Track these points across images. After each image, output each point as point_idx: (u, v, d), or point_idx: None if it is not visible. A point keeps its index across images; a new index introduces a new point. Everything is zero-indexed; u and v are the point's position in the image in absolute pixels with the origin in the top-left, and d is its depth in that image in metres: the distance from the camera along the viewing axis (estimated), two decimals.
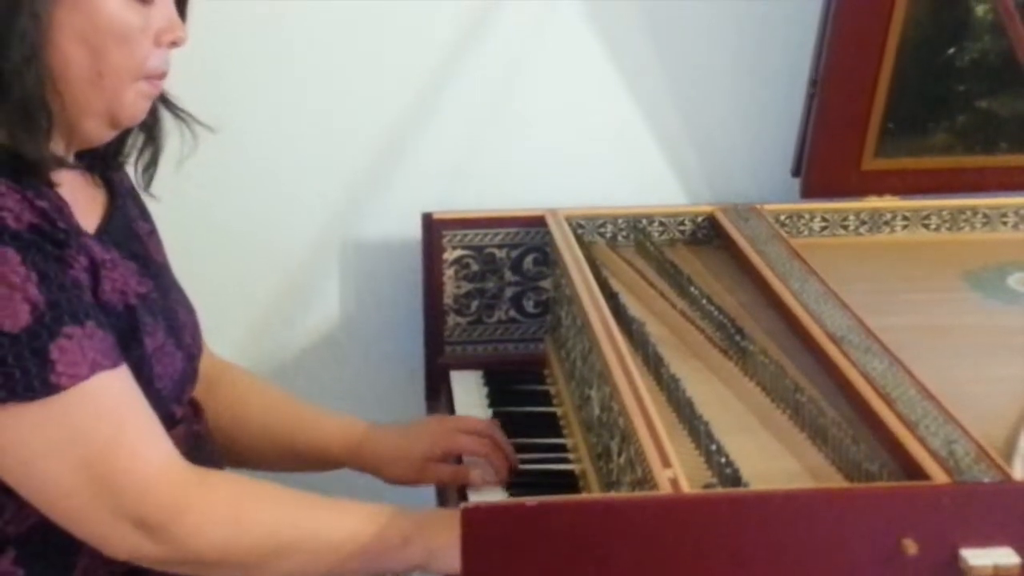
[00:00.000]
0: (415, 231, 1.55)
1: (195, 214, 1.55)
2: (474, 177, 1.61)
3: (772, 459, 1.08)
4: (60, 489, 0.98)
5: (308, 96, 1.58)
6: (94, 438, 0.97)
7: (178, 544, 1.00)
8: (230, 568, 1.04)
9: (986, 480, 0.94)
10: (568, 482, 1.25)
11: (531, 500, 0.89)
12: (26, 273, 0.95)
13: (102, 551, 1.01)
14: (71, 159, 1.07)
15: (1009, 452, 1.05)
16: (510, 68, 1.58)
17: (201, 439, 1.16)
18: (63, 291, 0.97)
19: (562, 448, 1.31)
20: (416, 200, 1.57)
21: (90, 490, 0.98)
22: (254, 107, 1.57)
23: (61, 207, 1.02)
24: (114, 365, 0.99)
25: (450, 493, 1.28)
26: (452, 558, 0.98)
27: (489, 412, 1.40)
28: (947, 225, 1.59)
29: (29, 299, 0.94)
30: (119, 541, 1.00)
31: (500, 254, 1.54)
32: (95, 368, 0.97)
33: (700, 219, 1.56)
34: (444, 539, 1.03)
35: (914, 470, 0.97)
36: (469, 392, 1.47)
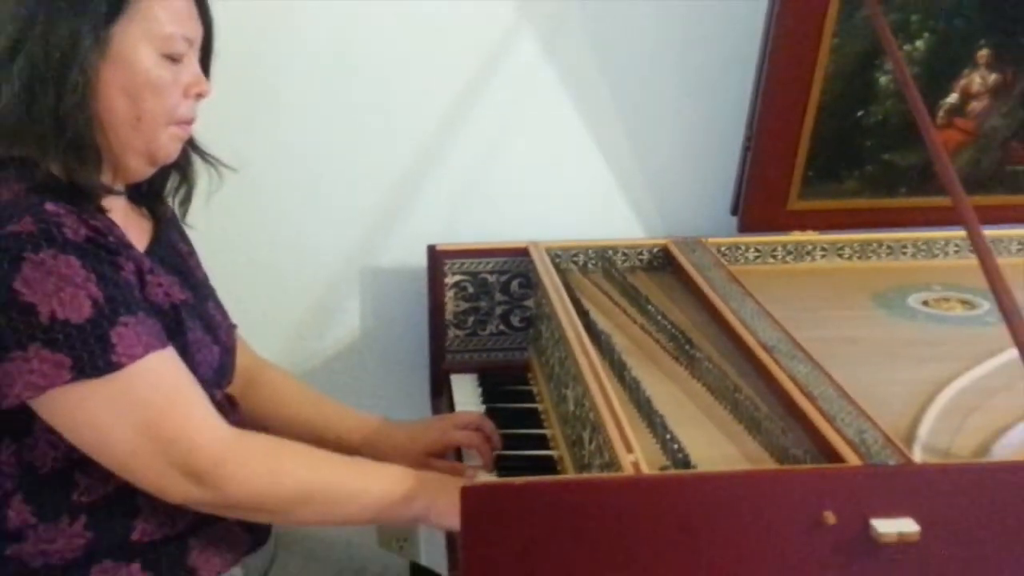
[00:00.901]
0: (421, 260, 1.55)
1: (240, 248, 1.55)
2: (470, 215, 1.61)
3: (716, 446, 1.08)
4: (125, 449, 0.98)
5: (332, 146, 1.57)
6: (150, 405, 0.97)
7: (220, 490, 1.00)
8: (264, 512, 1.04)
9: (892, 463, 0.95)
10: (548, 466, 1.25)
11: (518, 480, 0.90)
12: (86, 274, 0.95)
13: (161, 497, 1.01)
14: (117, 185, 1.07)
15: (910, 440, 1.05)
16: (501, 125, 1.58)
17: (236, 425, 1.15)
18: (117, 288, 0.97)
19: (543, 438, 1.31)
20: (422, 234, 1.57)
21: (149, 448, 0.98)
22: (288, 155, 1.56)
23: (111, 227, 1.02)
24: (163, 346, 0.99)
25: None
26: (449, 516, 1.00)
27: (483, 408, 1.40)
28: (858, 255, 1.60)
29: (90, 295, 0.94)
30: (173, 488, 0.99)
31: (491, 279, 1.54)
32: (148, 349, 0.97)
33: (655, 250, 1.57)
34: (443, 499, 1.03)
35: (832, 455, 0.98)
36: (466, 392, 1.47)
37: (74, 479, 1.01)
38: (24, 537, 1.03)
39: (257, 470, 1.01)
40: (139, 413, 0.97)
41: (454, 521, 0.94)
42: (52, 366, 0.94)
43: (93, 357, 0.94)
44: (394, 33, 1.53)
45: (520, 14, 1.54)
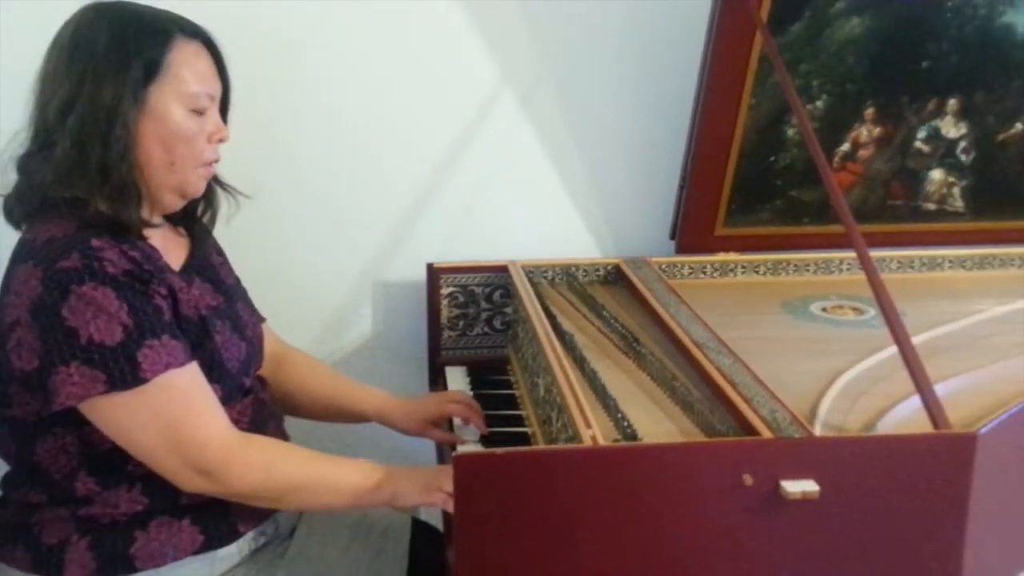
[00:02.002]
0: (421, 275, 1.55)
1: (272, 266, 1.54)
2: (461, 239, 1.60)
3: (658, 423, 1.09)
4: (147, 447, 0.98)
5: (346, 182, 1.56)
6: (168, 414, 0.97)
7: (225, 484, 1.00)
8: (260, 500, 1.03)
9: (797, 436, 0.96)
10: (524, 440, 1.25)
11: (500, 450, 0.90)
12: (119, 305, 0.94)
13: (176, 486, 1.00)
14: (156, 221, 1.06)
15: (812, 418, 1.06)
16: (486, 166, 1.58)
17: (264, 404, 1.15)
18: (146, 315, 0.96)
19: (520, 418, 1.31)
20: (421, 254, 1.57)
21: (166, 448, 0.97)
22: (309, 189, 1.55)
23: (150, 254, 1.01)
24: (182, 364, 0.98)
25: (445, 449, 1.27)
26: (409, 498, 1.01)
27: (471, 393, 1.39)
28: (770, 271, 1.60)
29: (121, 323, 0.94)
30: (186, 481, 0.99)
31: (478, 290, 1.54)
32: (168, 367, 0.96)
33: (609, 267, 1.57)
34: (403, 486, 1.02)
35: (750, 429, 0.99)
36: (457, 381, 1.47)
37: (126, 455, 1.00)
38: (92, 501, 1.03)
39: (254, 469, 1.00)
40: (158, 420, 0.96)
41: (414, 502, 0.98)
42: (89, 380, 0.94)
43: (123, 374, 0.94)
44: (398, 87, 1.53)
45: (502, 75, 1.55)
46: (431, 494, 1.01)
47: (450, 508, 0.91)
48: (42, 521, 1.05)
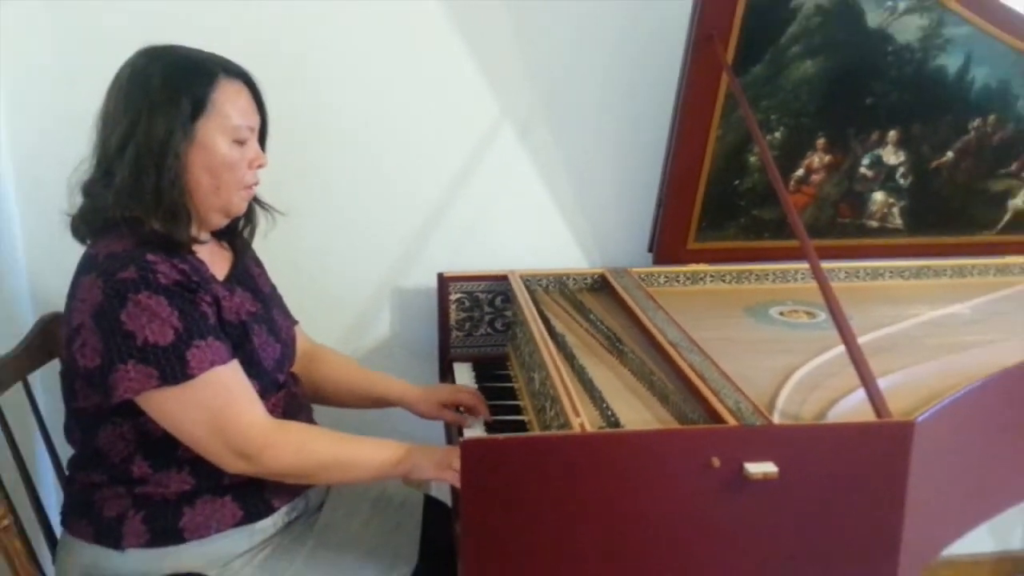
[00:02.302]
0: (433, 283, 1.54)
1: (304, 276, 1.53)
2: (468, 252, 1.60)
3: (637, 413, 1.08)
4: (194, 435, 0.98)
5: (368, 204, 1.56)
6: (213, 406, 0.97)
7: (263, 465, 0.99)
8: (294, 477, 1.03)
9: (758, 424, 0.96)
10: (522, 427, 1.24)
11: (501, 436, 0.91)
12: (170, 311, 0.95)
13: (219, 468, 1.00)
14: (203, 237, 1.07)
15: (771, 408, 1.06)
16: (489, 189, 1.57)
17: (295, 397, 1.15)
18: (193, 320, 0.96)
19: (518, 408, 1.31)
20: (433, 265, 1.56)
21: (211, 435, 0.97)
22: (336, 211, 1.55)
23: (198, 266, 1.01)
24: (225, 362, 0.98)
25: (453, 431, 1.27)
26: (425, 472, 1.01)
27: (476, 386, 1.39)
28: (735, 280, 1.60)
29: (172, 326, 0.95)
30: (229, 464, 0.99)
31: (482, 296, 1.54)
32: (213, 364, 0.97)
33: (596, 276, 1.57)
34: (420, 462, 1.02)
35: (717, 418, 0.99)
36: (464, 375, 1.47)
37: (176, 442, 1.00)
38: (146, 481, 1.03)
39: (288, 451, 0.99)
40: (204, 410, 0.96)
41: (429, 476, 0.98)
42: (145, 376, 0.94)
43: (173, 370, 0.94)
44: (413, 122, 1.53)
45: (502, 110, 1.55)
46: (443, 470, 1.01)
47: (459, 484, 0.92)
48: (103, 498, 1.05)
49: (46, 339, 1.19)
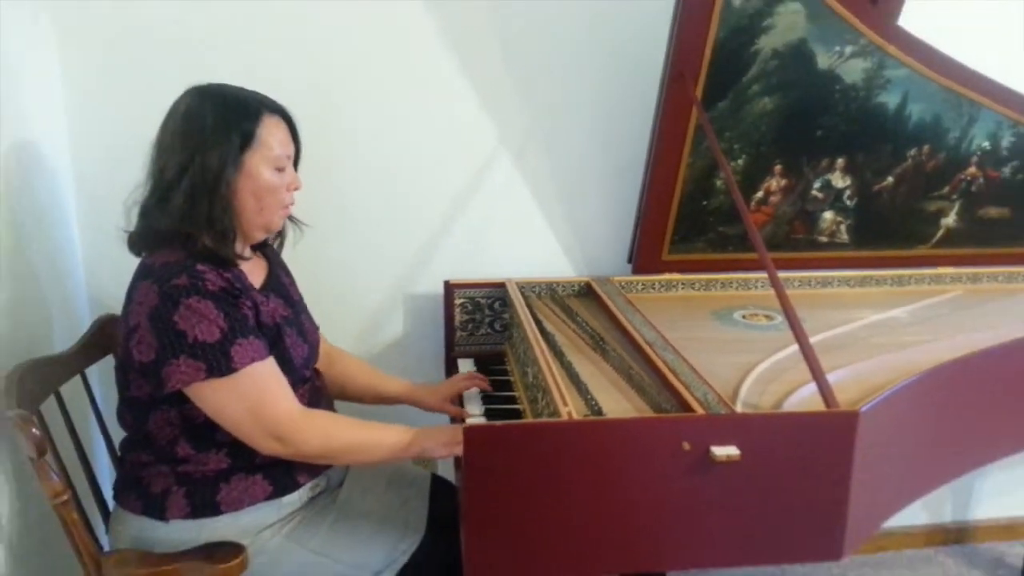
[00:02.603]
0: (439, 290, 1.54)
1: (325, 283, 1.52)
2: (470, 262, 1.59)
3: (618, 403, 1.08)
4: (235, 420, 0.98)
5: (380, 219, 1.55)
6: (252, 395, 0.97)
7: (295, 447, 0.99)
8: (320, 459, 1.03)
9: (723, 412, 0.96)
10: (517, 415, 1.24)
11: (499, 423, 0.91)
12: (217, 313, 0.95)
13: (254, 449, 1.00)
14: (246, 252, 1.07)
15: (734, 398, 1.06)
16: (490, 205, 1.57)
17: (318, 389, 1.16)
18: (237, 321, 0.97)
19: (514, 398, 1.30)
20: (440, 274, 1.56)
21: (250, 421, 0.98)
22: (352, 225, 1.54)
23: (240, 276, 1.02)
24: (263, 358, 0.99)
25: (456, 421, 1.26)
26: (434, 452, 1.01)
27: None
28: (703, 288, 1.59)
29: (219, 326, 0.95)
30: (264, 446, 0.99)
31: (482, 301, 1.54)
32: (253, 360, 0.97)
33: (582, 284, 1.57)
34: (430, 443, 1.02)
35: (687, 407, 0.99)
36: (466, 370, 1.43)
37: (215, 427, 1.01)
38: (188, 461, 1.04)
39: (317, 435, 1.00)
40: (244, 399, 0.97)
41: (439, 455, 0.99)
42: (194, 370, 0.94)
43: (219, 364, 0.95)
44: (422, 147, 1.53)
45: (500, 137, 1.55)
46: (450, 448, 1.02)
47: None
48: (150, 476, 1.05)
49: (101, 338, 1.20)
